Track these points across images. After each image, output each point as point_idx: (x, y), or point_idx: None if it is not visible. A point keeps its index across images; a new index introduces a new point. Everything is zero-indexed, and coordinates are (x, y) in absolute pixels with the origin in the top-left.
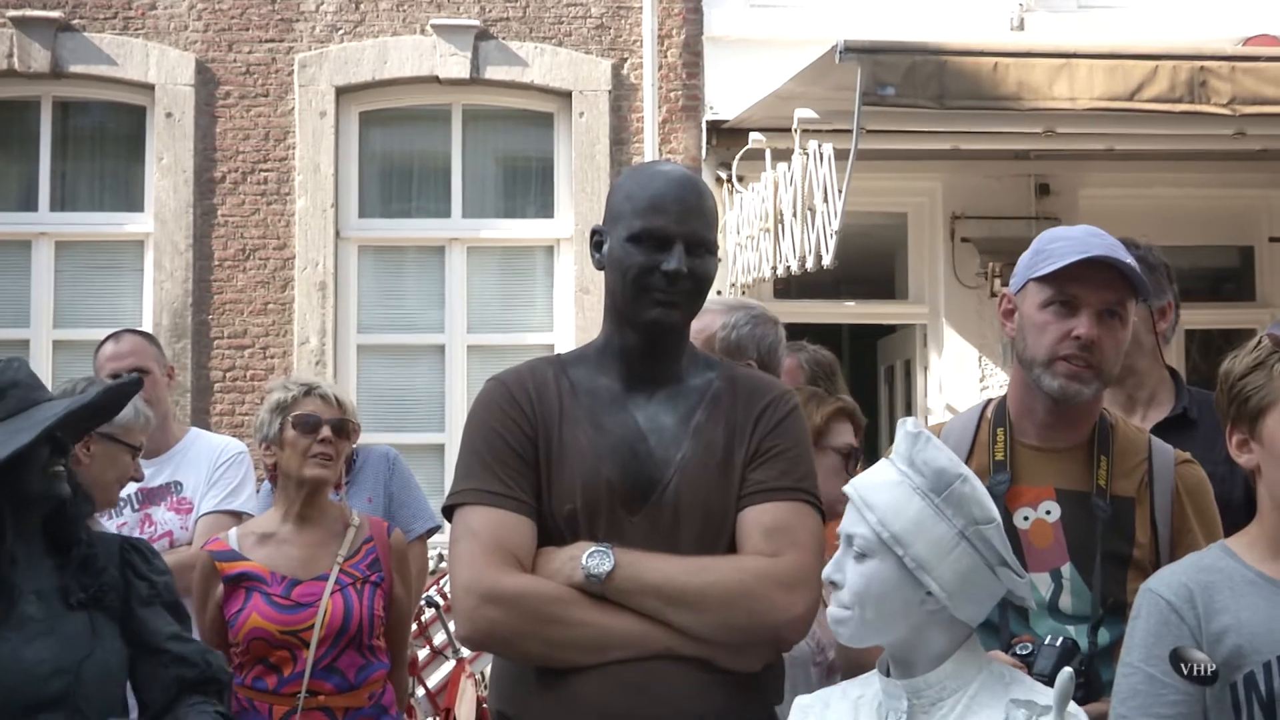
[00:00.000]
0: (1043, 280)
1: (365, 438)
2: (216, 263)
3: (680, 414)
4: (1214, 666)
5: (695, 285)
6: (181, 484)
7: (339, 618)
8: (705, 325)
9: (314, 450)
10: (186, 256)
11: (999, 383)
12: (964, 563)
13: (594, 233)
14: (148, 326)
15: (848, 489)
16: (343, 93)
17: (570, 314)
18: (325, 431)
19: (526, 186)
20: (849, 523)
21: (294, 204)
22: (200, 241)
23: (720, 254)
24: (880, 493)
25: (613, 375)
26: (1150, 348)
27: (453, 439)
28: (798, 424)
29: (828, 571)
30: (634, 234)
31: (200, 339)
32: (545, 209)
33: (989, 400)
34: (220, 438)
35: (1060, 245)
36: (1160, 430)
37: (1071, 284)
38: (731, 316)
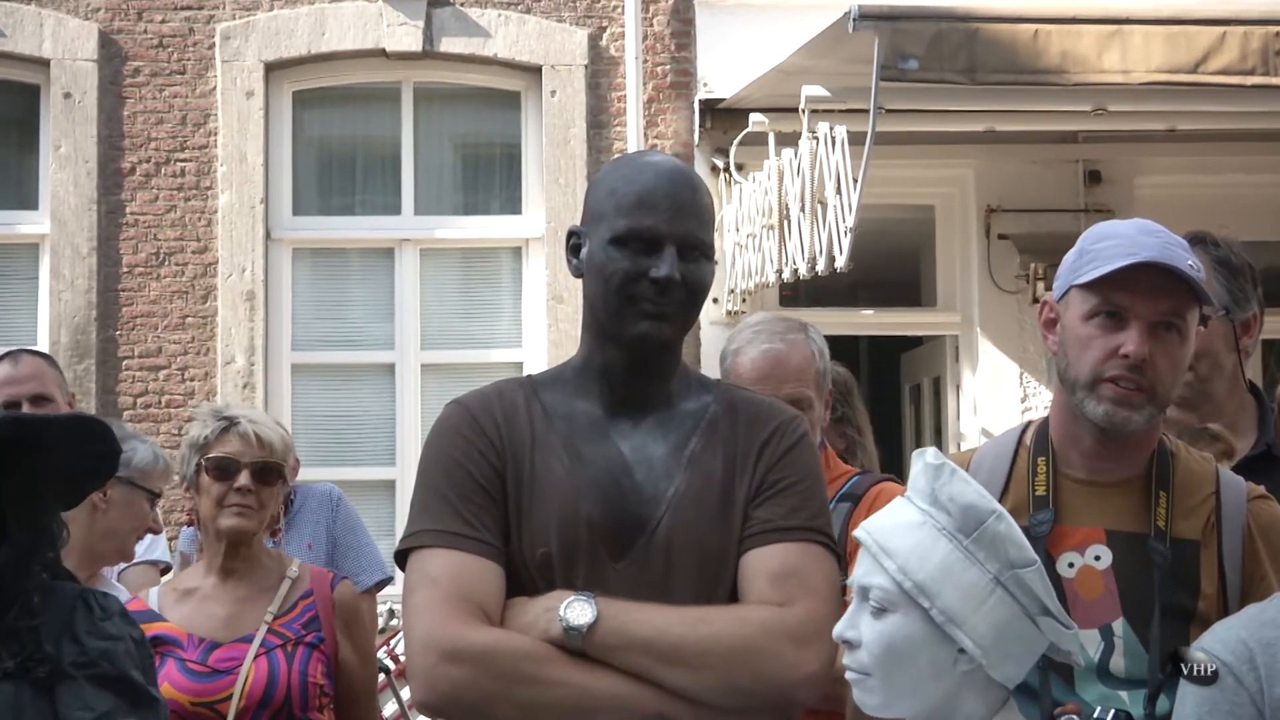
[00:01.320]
0: (1086, 287)
1: (303, 474)
2: (125, 269)
3: (672, 443)
4: (1214, 666)
5: (689, 295)
6: None
7: (261, 686)
8: (802, 360)
9: (230, 499)
10: (90, 262)
11: (1044, 403)
12: (1000, 613)
13: (571, 234)
14: (44, 345)
15: (859, 534)
16: (273, 69)
17: (541, 327)
18: (243, 478)
19: (489, 178)
20: (863, 573)
21: (216, 200)
22: (106, 244)
23: (716, 256)
24: (899, 537)
25: (593, 399)
26: (1231, 370)
27: (405, 474)
28: (808, 453)
29: (839, 629)
30: (618, 235)
31: (106, 359)
32: (512, 204)
33: (1028, 424)
34: None
35: (1106, 246)
36: (1243, 468)
37: (1119, 292)
38: (815, 341)
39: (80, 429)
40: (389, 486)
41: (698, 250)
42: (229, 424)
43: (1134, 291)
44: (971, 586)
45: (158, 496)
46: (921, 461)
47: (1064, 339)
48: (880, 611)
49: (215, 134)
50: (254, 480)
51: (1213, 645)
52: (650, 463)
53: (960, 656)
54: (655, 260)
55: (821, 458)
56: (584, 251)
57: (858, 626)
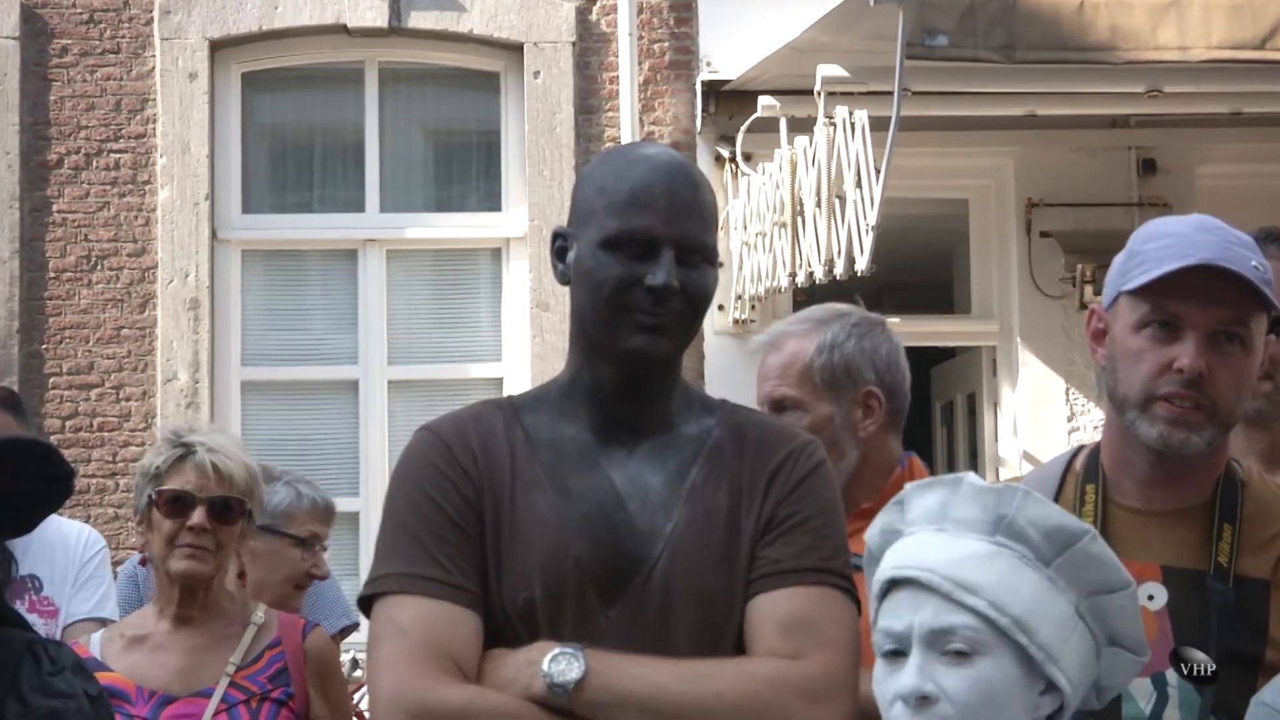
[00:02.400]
0: (1136, 294)
1: None
2: (52, 274)
3: (670, 472)
4: (1214, 666)
5: (689, 305)
6: (40, 579)
7: None
8: (793, 354)
9: (182, 540)
10: (11, 266)
11: (1093, 423)
12: (1083, 647)
13: (557, 236)
14: None
15: (907, 573)
16: (219, 47)
17: (524, 338)
18: (198, 516)
19: (465, 170)
20: (932, 616)
21: (155, 196)
22: (30, 246)
23: (720, 258)
24: (977, 570)
25: (581, 423)
26: None
27: (371, 506)
28: (824, 484)
29: (914, 683)
30: (609, 237)
31: (30, 376)
32: (490, 200)
33: (1079, 448)
34: (74, 524)
35: (1158, 246)
36: None
37: (1172, 298)
38: (827, 332)
39: (22, 451)
40: (352, 520)
41: (699, 254)
42: (185, 452)
43: (1190, 298)
44: (1061, 618)
45: (306, 541)
46: (965, 488)
47: (1113, 352)
48: (964, 656)
49: (154, 121)
50: (211, 518)
51: (1275, 699)
52: (646, 495)
53: (1041, 699)
54: (651, 266)
55: (903, 473)
56: (571, 255)
57: (933, 678)
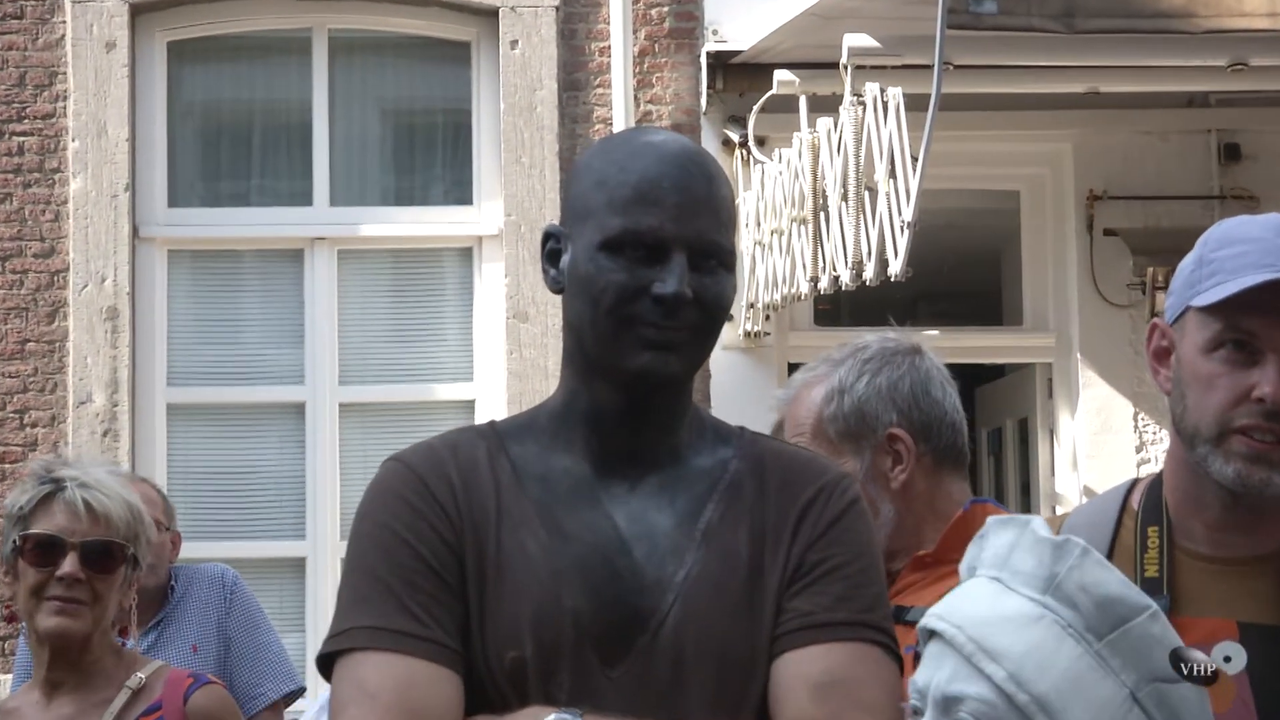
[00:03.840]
0: (1207, 310)
1: (187, 550)
2: None
3: (681, 511)
4: (1214, 666)
5: (704, 317)
6: None
7: None
8: (808, 406)
9: (51, 591)
10: None
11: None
12: None
13: (548, 237)
14: None
15: (937, 624)
16: (141, 11)
17: (499, 354)
18: (69, 564)
19: (430, 157)
20: (947, 678)
21: (66, 186)
22: None
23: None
24: (1008, 634)
25: (577, 454)
26: None
27: (320, 549)
28: (860, 525)
29: None
30: (610, 239)
31: None
32: (459, 191)
33: (1134, 481)
34: None
35: (1232, 254)
36: None
37: (1249, 315)
38: (836, 375)
39: None
40: (297, 566)
41: (715, 258)
42: (53, 489)
43: (1270, 315)
44: (1105, 703)
45: None
46: (1028, 535)
47: (1179, 376)
48: None
49: (64, 99)
50: (84, 565)
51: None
52: (653, 537)
53: None
54: (659, 271)
55: (965, 516)
56: (565, 259)
57: None
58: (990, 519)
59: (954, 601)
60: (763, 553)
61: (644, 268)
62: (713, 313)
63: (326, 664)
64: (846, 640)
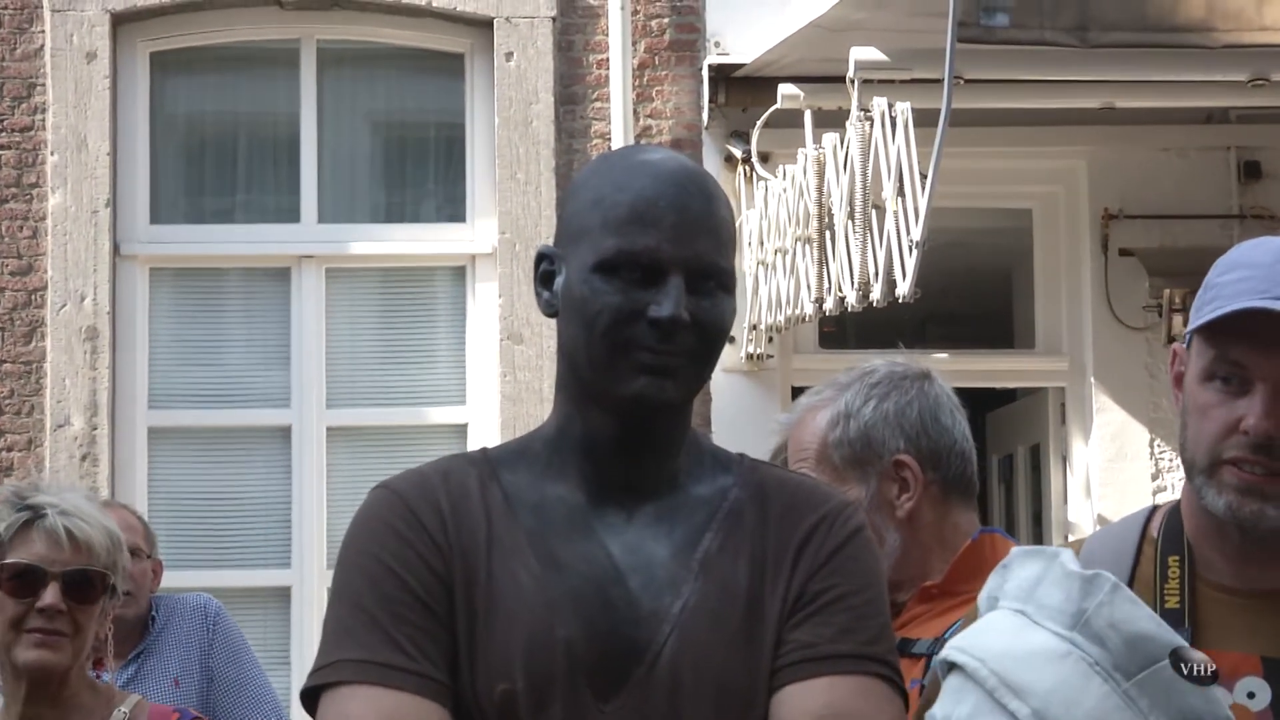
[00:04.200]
0: (1204, 336)
1: (168, 579)
2: None
3: (678, 541)
4: (1214, 667)
5: (702, 341)
6: None
7: None
8: (812, 431)
9: (31, 623)
10: None
11: (1183, 481)
12: None
13: (542, 258)
14: None
15: (960, 657)
16: (122, 21)
17: (493, 376)
18: (50, 596)
19: (421, 173)
20: (969, 713)
21: (45, 202)
22: None
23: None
24: (1033, 670)
25: (571, 482)
26: None
27: (306, 579)
28: (864, 554)
29: None
30: (605, 260)
31: None
32: (452, 208)
33: (1153, 509)
34: None
35: (1234, 279)
36: None
37: (1238, 344)
38: (842, 399)
39: None
40: (282, 596)
41: (714, 280)
42: (31, 516)
43: (1260, 345)
44: None
45: None
46: (1057, 567)
47: (1184, 404)
48: None
49: (43, 111)
50: (66, 596)
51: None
52: (649, 568)
53: None
54: (655, 294)
55: (974, 546)
56: (559, 282)
57: None
58: (1015, 549)
59: (976, 634)
60: (763, 583)
61: (640, 290)
62: (711, 337)
63: (311, 698)
64: (850, 674)
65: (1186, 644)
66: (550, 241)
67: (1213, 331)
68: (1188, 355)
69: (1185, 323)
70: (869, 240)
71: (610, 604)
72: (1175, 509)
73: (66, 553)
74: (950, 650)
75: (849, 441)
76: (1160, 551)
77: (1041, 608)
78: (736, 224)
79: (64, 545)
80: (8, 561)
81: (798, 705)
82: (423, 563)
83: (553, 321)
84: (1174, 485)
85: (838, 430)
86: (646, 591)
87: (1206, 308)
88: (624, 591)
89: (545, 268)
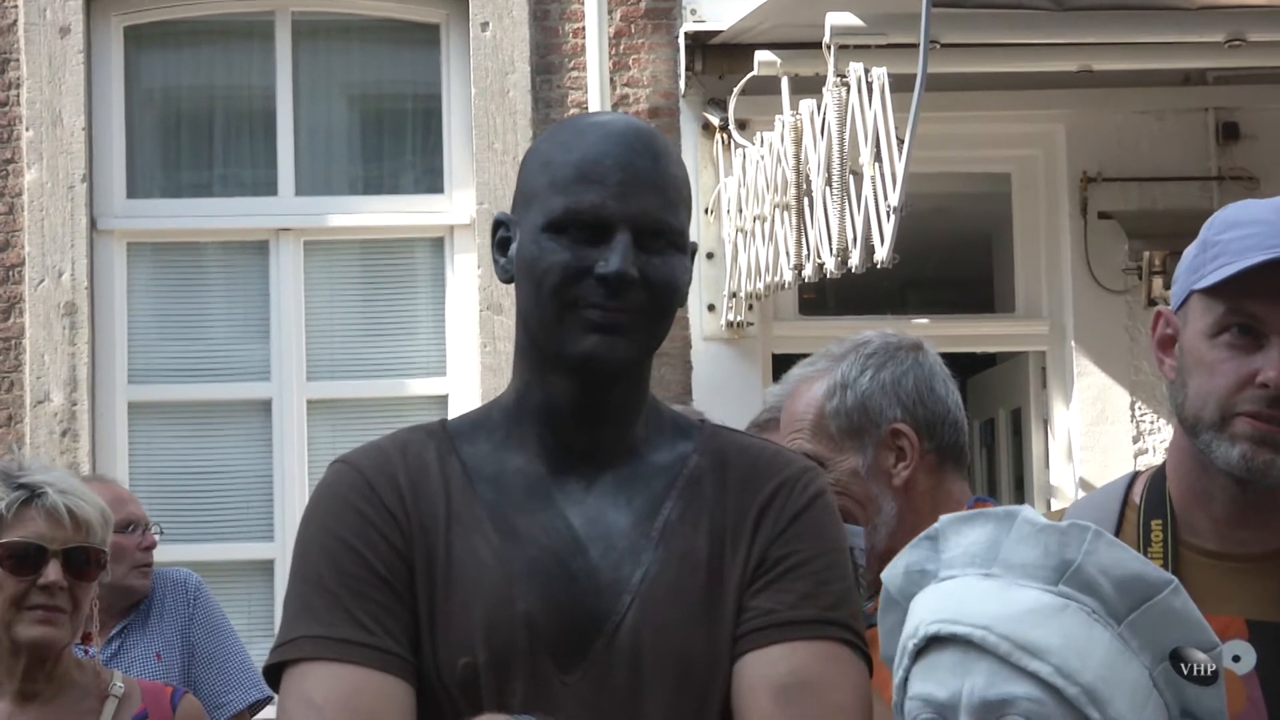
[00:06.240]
0: (1210, 293)
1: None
2: None
3: (638, 510)
4: (1214, 666)
5: (651, 299)
6: None
7: None
8: (807, 401)
9: (33, 600)
10: None
11: (1164, 443)
12: None
13: (498, 225)
14: None
15: (955, 628)
16: None
17: (472, 348)
18: (52, 572)
19: (398, 144)
20: (985, 684)
21: (20, 178)
22: None
23: (711, 249)
24: (1039, 628)
25: (530, 451)
26: None
27: (288, 552)
28: (825, 518)
29: None
30: (554, 219)
31: None
32: (429, 179)
33: (1135, 474)
34: None
35: (1237, 235)
36: None
37: (1253, 298)
38: (838, 370)
39: None
40: (265, 570)
41: (663, 238)
42: (29, 495)
43: (1275, 297)
44: (1135, 687)
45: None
46: (1021, 525)
47: (1183, 363)
48: None
49: (17, 86)
50: (67, 573)
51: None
52: (609, 538)
53: None
54: (604, 251)
55: None
56: (514, 247)
57: None
58: (942, 518)
59: (952, 604)
60: (723, 551)
61: (588, 248)
62: (662, 294)
63: (274, 675)
64: (812, 639)
65: (1177, 582)
66: (510, 209)
67: (1224, 287)
68: (1178, 316)
69: (1166, 285)
70: (847, 206)
71: (570, 576)
72: (1157, 474)
73: (67, 530)
74: (935, 625)
75: (846, 411)
76: (1143, 516)
77: (1012, 567)
78: (715, 192)
79: (64, 523)
80: (6, 540)
81: (760, 672)
82: (382, 538)
83: None
84: (1155, 448)
85: (835, 400)
86: (606, 561)
87: (1211, 265)
88: (584, 562)
89: (501, 234)
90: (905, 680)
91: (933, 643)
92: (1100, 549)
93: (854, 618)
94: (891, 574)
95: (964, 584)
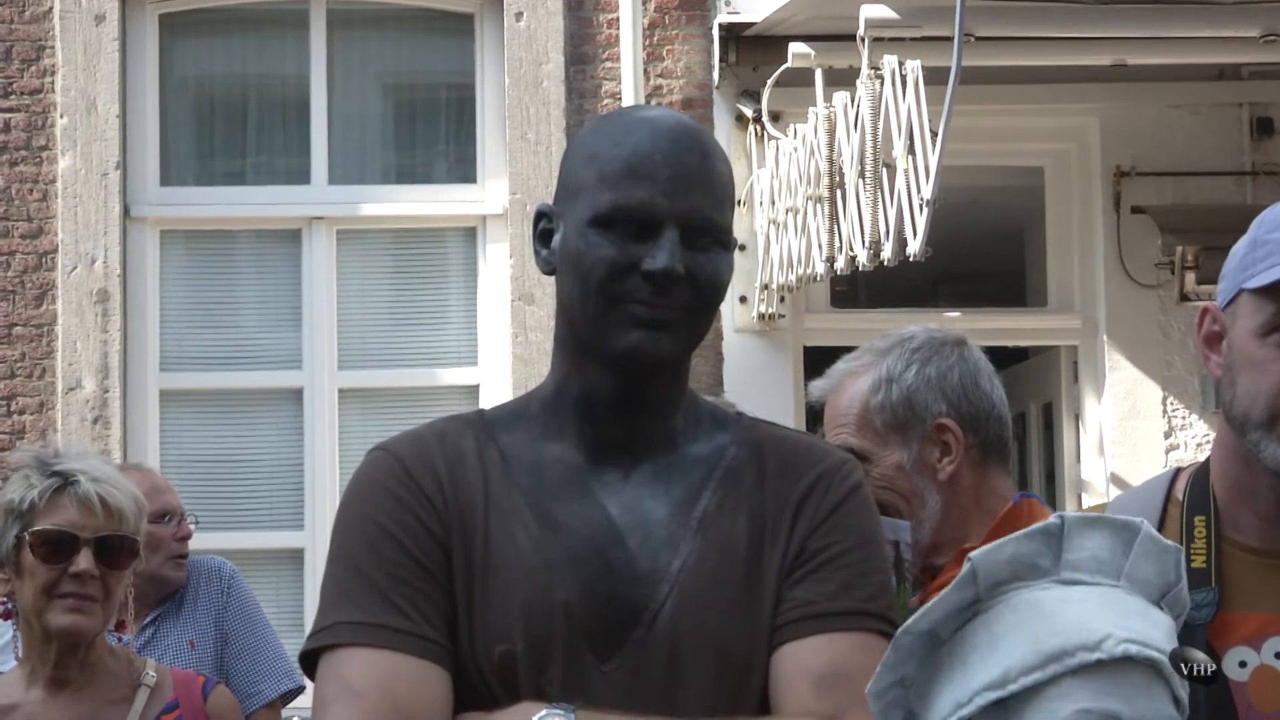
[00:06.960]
0: (1260, 293)
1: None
2: None
3: (676, 500)
4: (1214, 666)
5: (697, 295)
6: None
7: None
8: (851, 396)
9: (64, 588)
10: None
11: (1194, 438)
12: None
13: (540, 216)
14: None
15: (1149, 652)
16: None
17: (504, 338)
18: (83, 561)
19: (432, 133)
20: (1163, 707)
21: (55, 165)
22: None
23: (742, 240)
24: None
25: (569, 441)
26: None
27: (319, 541)
28: (863, 510)
29: None
30: (600, 214)
31: None
32: (463, 169)
33: (1177, 470)
34: None
35: None
36: None
37: None
38: (883, 364)
39: None
40: (295, 558)
41: (709, 235)
42: (62, 482)
43: None
44: None
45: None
46: (1146, 539)
47: (1231, 361)
48: None
49: (53, 74)
50: (99, 562)
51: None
52: (647, 527)
53: None
54: (650, 247)
55: (1015, 509)
56: (557, 239)
57: None
58: (1064, 516)
59: (1135, 624)
60: (761, 541)
61: (635, 244)
62: (707, 292)
63: (310, 661)
64: (850, 630)
65: (1212, 606)
66: (552, 200)
67: (1274, 287)
68: (1225, 314)
69: (1198, 280)
70: (880, 199)
71: (608, 565)
72: (1201, 470)
73: (99, 518)
74: (1131, 646)
75: (892, 406)
76: (1186, 512)
77: (1135, 581)
78: (748, 184)
79: (96, 511)
80: (39, 528)
81: (797, 663)
82: (420, 525)
83: None
84: (1186, 443)
85: (880, 395)
86: (644, 551)
87: (1263, 264)
88: (622, 552)
89: (544, 225)
90: (1036, 685)
91: (1123, 661)
92: (1183, 580)
93: (891, 609)
94: (990, 559)
95: (1119, 599)
